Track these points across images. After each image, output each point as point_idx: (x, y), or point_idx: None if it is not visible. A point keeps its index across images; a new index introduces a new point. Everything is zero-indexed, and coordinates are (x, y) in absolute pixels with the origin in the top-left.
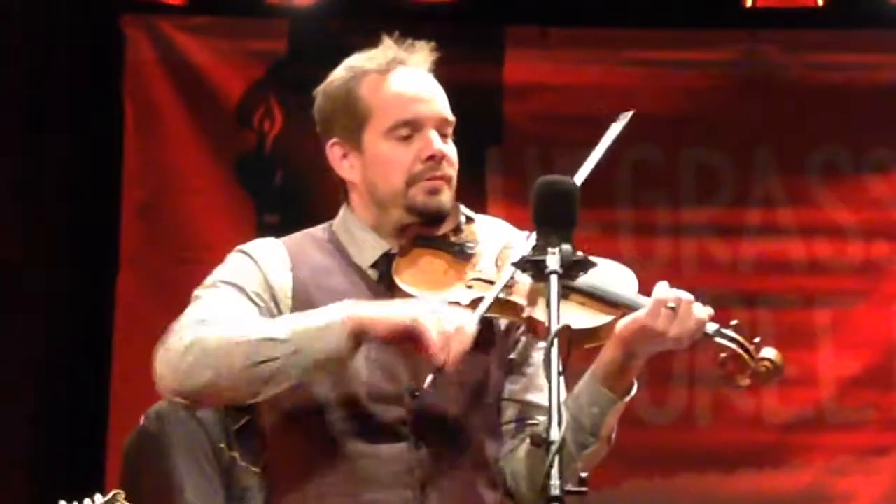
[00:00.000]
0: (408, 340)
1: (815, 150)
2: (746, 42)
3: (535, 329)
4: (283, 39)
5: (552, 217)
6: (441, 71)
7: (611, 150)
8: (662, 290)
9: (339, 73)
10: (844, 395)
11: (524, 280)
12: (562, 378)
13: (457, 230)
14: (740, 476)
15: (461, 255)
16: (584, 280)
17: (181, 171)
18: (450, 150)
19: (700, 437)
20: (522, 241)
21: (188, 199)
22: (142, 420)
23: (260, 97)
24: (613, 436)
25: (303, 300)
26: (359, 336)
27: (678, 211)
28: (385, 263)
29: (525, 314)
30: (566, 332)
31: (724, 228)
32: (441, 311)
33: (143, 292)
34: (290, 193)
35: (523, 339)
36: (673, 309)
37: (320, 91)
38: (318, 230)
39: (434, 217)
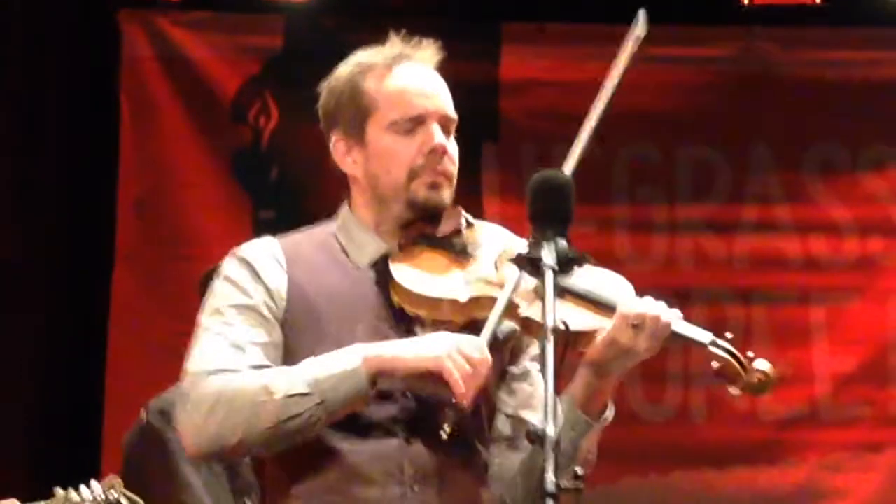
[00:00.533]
0: (429, 381)
1: (812, 147)
2: (744, 39)
3: (531, 329)
4: (279, 36)
5: (548, 212)
6: (440, 65)
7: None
8: (625, 305)
9: (344, 68)
10: (839, 392)
11: (522, 281)
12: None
13: (457, 232)
14: (735, 473)
15: (461, 254)
16: (580, 283)
17: (177, 166)
18: (452, 146)
19: (695, 433)
20: (522, 244)
21: (184, 194)
22: (142, 414)
23: (256, 93)
24: (593, 457)
25: (298, 300)
26: (379, 378)
27: (674, 207)
28: (383, 263)
29: (522, 314)
30: (563, 333)
31: (720, 225)
32: (459, 345)
33: (138, 288)
34: (286, 189)
35: (526, 352)
36: (637, 325)
37: (325, 86)
38: (317, 229)
39: (434, 212)
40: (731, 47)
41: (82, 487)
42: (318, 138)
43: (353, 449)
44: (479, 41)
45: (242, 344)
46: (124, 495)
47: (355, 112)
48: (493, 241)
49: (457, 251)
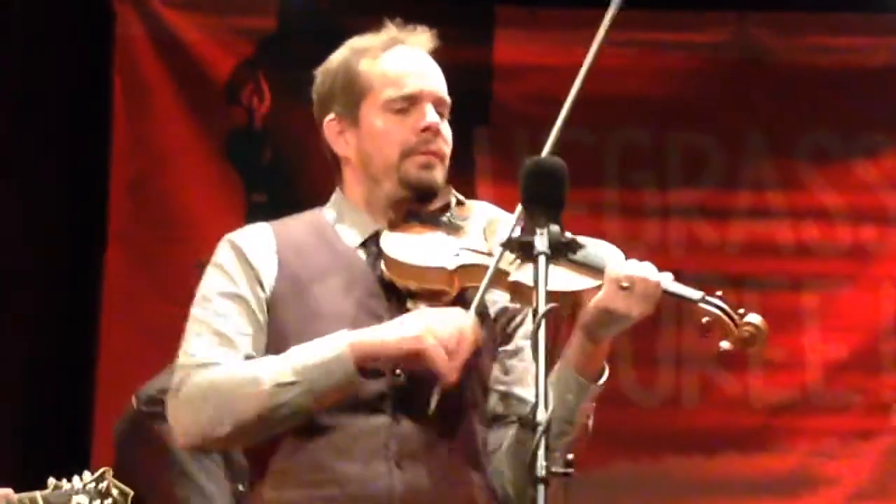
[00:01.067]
0: (415, 361)
1: (805, 134)
2: (736, 24)
3: (521, 294)
4: (272, 17)
5: (540, 197)
6: (433, 50)
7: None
8: (614, 268)
9: (338, 53)
10: (831, 379)
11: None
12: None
13: (447, 207)
14: (726, 458)
15: (449, 227)
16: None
17: (170, 148)
18: (445, 128)
19: (686, 418)
20: (511, 216)
21: (177, 176)
22: (133, 402)
23: (248, 74)
24: (590, 423)
25: (287, 281)
26: (364, 363)
27: (665, 193)
28: (374, 241)
29: (511, 279)
30: (553, 312)
31: (712, 211)
32: (440, 322)
33: (131, 268)
34: (279, 172)
35: (519, 330)
36: (627, 287)
37: (320, 70)
38: (308, 213)
39: (425, 192)
40: (724, 33)
41: (74, 478)
42: (312, 120)
43: (339, 425)
44: (473, 24)
45: (230, 334)
46: (115, 486)
47: (350, 93)
48: (482, 215)
49: (446, 224)
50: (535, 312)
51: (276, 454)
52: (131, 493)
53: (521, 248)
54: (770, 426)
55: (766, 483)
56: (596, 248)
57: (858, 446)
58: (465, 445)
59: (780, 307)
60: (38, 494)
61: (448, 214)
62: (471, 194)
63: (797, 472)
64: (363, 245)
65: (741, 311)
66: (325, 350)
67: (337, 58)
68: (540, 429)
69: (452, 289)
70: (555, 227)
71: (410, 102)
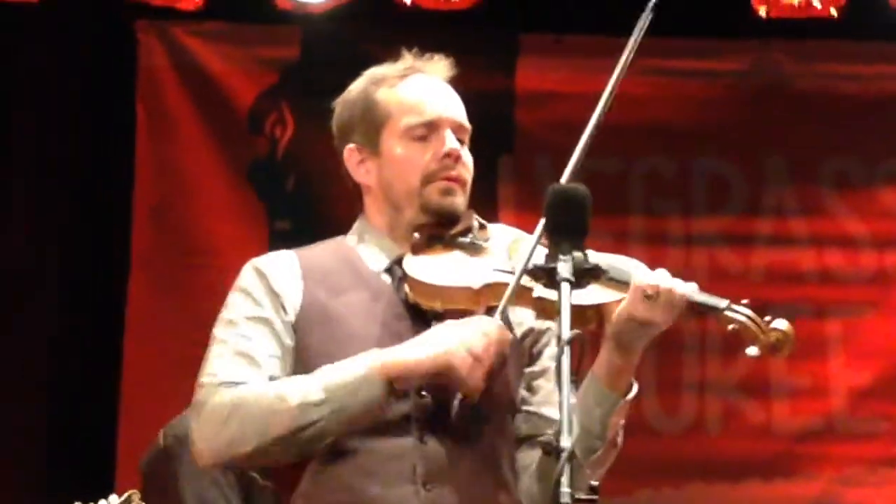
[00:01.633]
0: (442, 377)
1: (827, 161)
2: (758, 52)
3: (546, 310)
4: (296, 46)
5: (564, 224)
6: (453, 78)
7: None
8: (639, 277)
9: (357, 83)
10: (855, 406)
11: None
12: (574, 386)
13: (468, 230)
14: (750, 485)
15: (472, 248)
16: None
17: (193, 175)
18: (466, 153)
19: (710, 446)
20: (534, 234)
21: (200, 203)
22: (160, 439)
23: (272, 103)
24: (619, 440)
25: (313, 306)
26: (394, 383)
27: (689, 220)
28: (397, 265)
29: (535, 295)
30: (578, 338)
31: (736, 238)
32: (467, 330)
33: (154, 295)
34: (302, 199)
35: (545, 350)
36: (652, 296)
37: (339, 101)
38: (333, 241)
39: (447, 218)
40: (747, 60)
41: (101, 502)
42: (335, 149)
43: (365, 447)
44: (496, 52)
45: (255, 356)
46: None
47: (369, 123)
48: (505, 235)
49: (468, 245)
50: (558, 339)
51: (303, 477)
52: None
53: (545, 275)
54: (794, 453)
55: None
56: (619, 263)
57: (884, 473)
58: (493, 466)
59: (803, 334)
60: None
61: (470, 236)
62: (493, 222)
63: (822, 500)
64: (387, 270)
65: (767, 317)
66: (354, 370)
67: (355, 88)
68: (564, 455)
69: (478, 308)
70: (578, 254)
71: (430, 129)
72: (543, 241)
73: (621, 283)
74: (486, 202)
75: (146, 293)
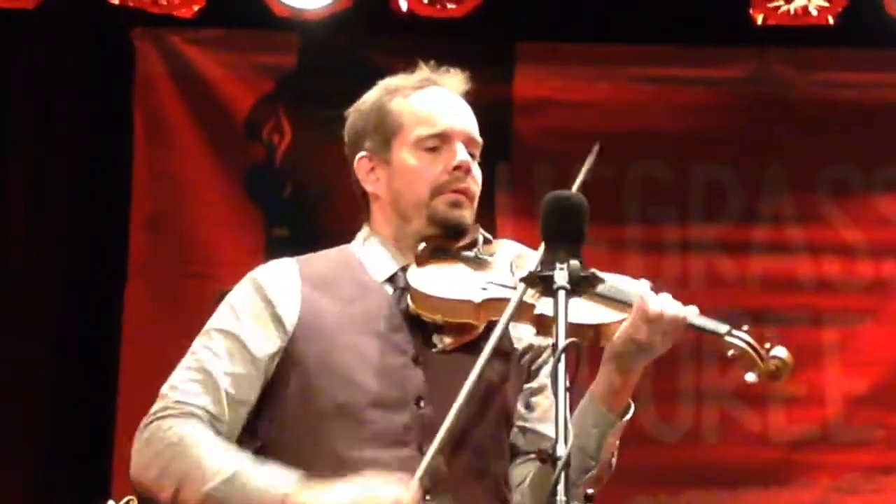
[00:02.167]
0: None
1: (825, 168)
2: (756, 59)
3: (546, 326)
4: (293, 54)
5: (561, 232)
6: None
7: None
8: (641, 300)
9: (372, 92)
10: (851, 414)
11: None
12: (568, 394)
13: (473, 244)
14: (746, 494)
15: (476, 262)
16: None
17: (190, 183)
18: (476, 167)
19: (707, 454)
20: (537, 255)
21: (197, 211)
22: None
23: (269, 111)
24: (614, 461)
25: (311, 315)
26: None
27: (686, 228)
28: (400, 276)
29: (536, 312)
30: (574, 347)
31: (733, 245)
32: (379, 495)
33: (150, 304)
34: (300, 207)
35: (543, 368)
36: (653, 320)
37: (353, 109)
38: (335, 249)
39: (454, 230)
40: (744, 68)
41: None
42: (332, 156)
43: (365, 458)
44: (493, 60)
45: (215, 374)
46: None
47: (381, 131)
48: (509, 251)
49: (473, 259)
50: (554, 346)
51: None
52: None
53: (542, 283)
54: (791, 461)
55: None
56: (620, 283)
57: (881, 481)
58: (489, 479)
59: (800, 342)
60: None
61: (475, 250)
62: (491, 230)
63: None
64: (390, 280)
65: (767, 345)
66: (267, 484)
67: (370, 97)
68: (560, 463)
69: (479, 322)
70: (575, 262)
71: (442, 140)
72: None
73: (623, 304)
74: (483, 210)
75: (143, 300)
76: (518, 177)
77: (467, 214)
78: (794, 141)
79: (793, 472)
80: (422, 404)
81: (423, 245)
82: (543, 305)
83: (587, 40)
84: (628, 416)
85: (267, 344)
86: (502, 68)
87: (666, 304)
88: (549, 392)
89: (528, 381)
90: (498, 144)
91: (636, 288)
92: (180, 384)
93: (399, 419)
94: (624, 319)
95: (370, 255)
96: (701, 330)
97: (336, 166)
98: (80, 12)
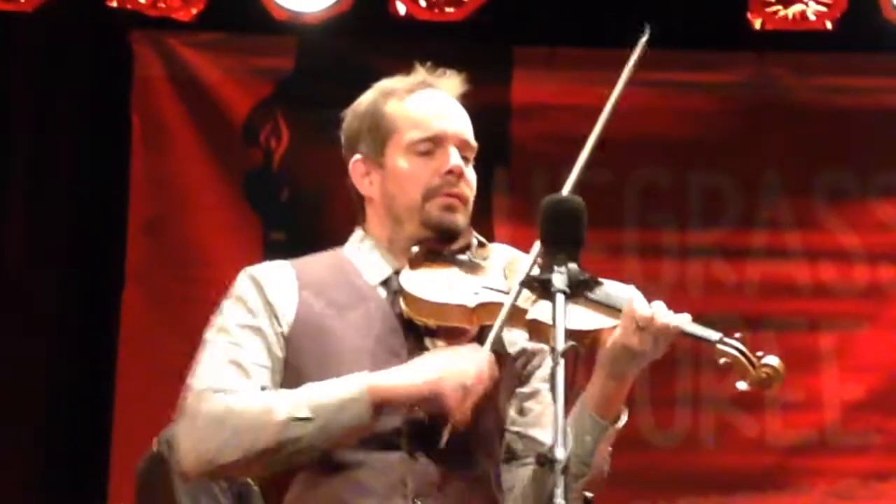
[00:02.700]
0: (430, 403)
1: (822, 174)
2: (754, 64)
3: (539, 332)
4: (291, 57)
5: (559, 236)
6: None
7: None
8: (631, 306)
9: (367, 94)
10: (848, 419)
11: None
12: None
13: (467, 247)
14: (743, 499)
15: (470, 266)
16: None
17: (188, 187)
18: (469, 172)
19: (704, 459)
20: (530, 255)
21: (195, 215)
22: (154, 445)
23: (267, 114)
24: (607, 467)
25: (306, 317)
26: (381, 406)
27: (684, 233)
28: (394, 280)
29: (528, 317)
30: (573, 351)
31: (730, 251)
32: (458, 360)
33: (148, 308)
34: (297, 210)
35: (536, 373)
36: (644, 327)
37: (348, 111)
38: (329, 252)
39: (447, 234)
40: (743, 73)
41: None
42: (329, 159)
43: (356, 460)
44: (491, 65)
45: (246, 364)
46: None
47: (375, 134)
48: (503, 255)
49: (466, 263)
50: (553, 350)
51: (293, 489)
52: None
53: (540, 286)
54: (788, 467)
55: None
56: (614, 289)
57: (877, 487)
58: (481, 483)
59: (797, 347)
60: None
61: (468, 253)
62: (488, 234)
63: None
64: (384, 283)
65: (759, 353)
66: (343, 390)
67: (365, 99)
68: (558, 467)
69: (472, 326)
70: (573, 266)
71: (435, 144)
72: (540, 260)
73: (615, 310)
74: (481, 214)
75: (141, 305)
76: (516, 181)
77: (460, 218)
78: (792, 146)
79: (790, 478)
80: (413, 408)
81: (416, 248)
82: (536, 310)
83: (585, 45)
84: (621, 423)
85: (279, 341)
86: (500, 72)
87: (657, 312)
88: (542, 397)
89: (520, 386)
90: (495, 149)
91: (626, 293)
92: (209, 376)
93: (390, 422)
94: (618, 325)
95: (364, 258)
96: (693, 337)
97: (334, 170)
98: (79, 15)
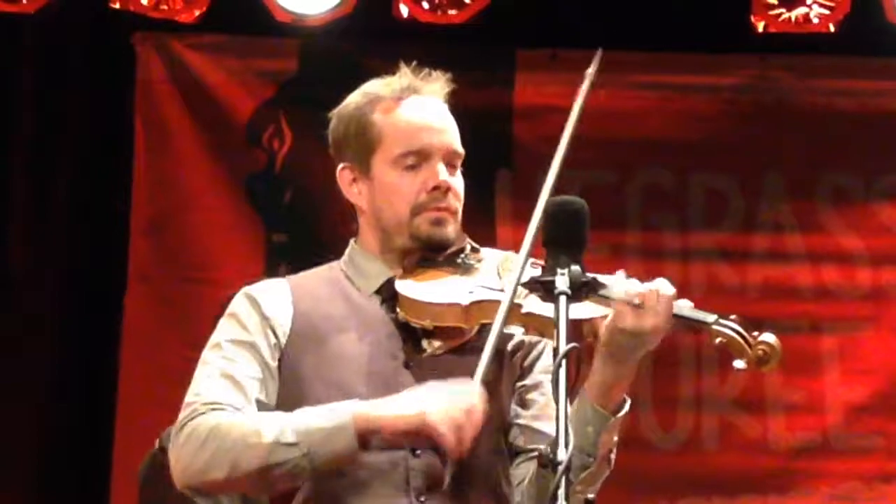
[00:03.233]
0: (421, 438)
1: (825, 176)
2: (757, 67)
3: (534, 324)
4: (294, 59)
5: (562, 238)
6: (451, 93)
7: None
8: (623, 287)
9: (354, 98)
10: (851, 422)
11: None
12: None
13: (460, 251)
14: (745, 501)
15: (463, 268)
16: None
17: (191, 189)
18: (457, 182)
19: (706, 461)
20: (521, 252)
21: (197, 217)
22: (157, 444)
23: (270, 116)
24: (613, 456)
25: (303, 328)
26: (366, 436)
27: (687, 235)
28: (388, 289)
29: (524, 311)
30: (575, 352)
31: (733, 253)
32: (447, 399)
33: (151, 309)
34: (300, 212)
35: (536, 364)
36: (639, 305)
37: (335, 113)
38: (324, 267)
39: (438, 247)
40: (745, 75)
41: None
42: (332, 162)
43: (359, 460)
44: (494, 67)
45: (238, 377)
46: None
47: (362, 144)
48: (495, 256)
49: (460, 266)
50: (555, 351)
51: (297, 490)
52: None
53: (543, 288)
54: (790, 469)
55: None
56: (608, 281)
57: (880, 489)
58: (486, 479)
59: (799, 350)
60: None
61: (462, 256)
62: (491, 237)
63: None
64: (378, 292)
65: (755, 332)
66: (330, 417)
67: (351, 103)
68: (560, 468)
69: (468, 326)
70: (576, 267)
71: (421, 158)
72: (533, 256)
73: (608, 299)
74: (483, 217)
75: (143, 307)
76: (518, 184)
77: (450, 230)
78: (794, 148)
79: (792, 480)
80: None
81: (408, 259)
82: (530, 304)
83: (587, 47)
84: (623, 413)
85: (274, 353)
86: (503, 75)
87: (648, 284)
88: (543, 388)
89: (520, 379)
90: (498, 151)
91: (620, 278)
92: (204, 391)
93: None
94: (607, 313)
95: (358, 269)
96: (689, 320)
97: (336, 172)
98: (81, 17)
